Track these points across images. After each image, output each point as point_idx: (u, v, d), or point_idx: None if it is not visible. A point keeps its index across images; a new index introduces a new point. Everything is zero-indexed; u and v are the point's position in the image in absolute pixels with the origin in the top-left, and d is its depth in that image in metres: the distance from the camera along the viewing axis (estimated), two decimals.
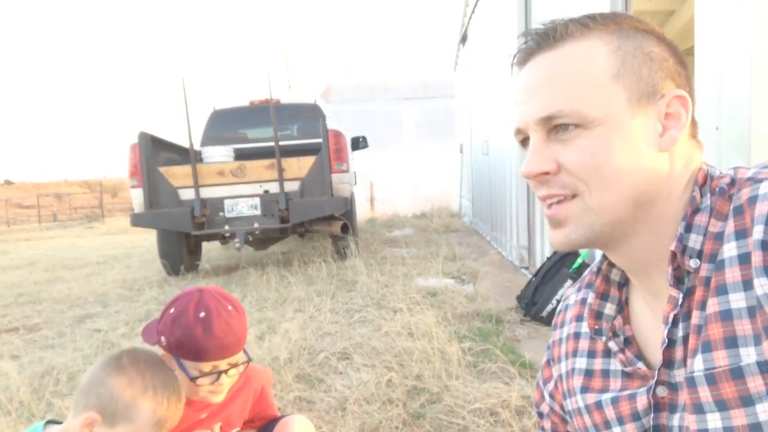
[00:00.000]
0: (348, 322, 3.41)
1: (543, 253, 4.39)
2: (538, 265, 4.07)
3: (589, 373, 0.75)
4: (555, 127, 0.64)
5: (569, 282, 3.22)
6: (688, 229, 0.63)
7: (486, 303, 3.65)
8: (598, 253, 0.74)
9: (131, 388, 1.09)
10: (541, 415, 0.89)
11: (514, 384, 2.23)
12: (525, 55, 0.69)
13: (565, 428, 0.86)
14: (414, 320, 3.01)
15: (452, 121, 13.91)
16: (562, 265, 3.39)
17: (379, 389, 2.29)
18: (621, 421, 0.69)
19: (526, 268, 4.92)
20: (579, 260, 3.31)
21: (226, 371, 1.26)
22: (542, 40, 0.67)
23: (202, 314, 1.22)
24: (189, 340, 1.20)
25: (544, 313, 3.25)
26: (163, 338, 1.24)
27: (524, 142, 0.70)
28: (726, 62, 1.92)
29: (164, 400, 1.12)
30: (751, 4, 1.77)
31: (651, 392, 0.65)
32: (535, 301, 3.34)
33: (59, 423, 1.17)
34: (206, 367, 1.23)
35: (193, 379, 1.23)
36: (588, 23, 0.66)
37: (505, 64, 0.74)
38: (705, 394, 0.59)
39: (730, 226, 0.60)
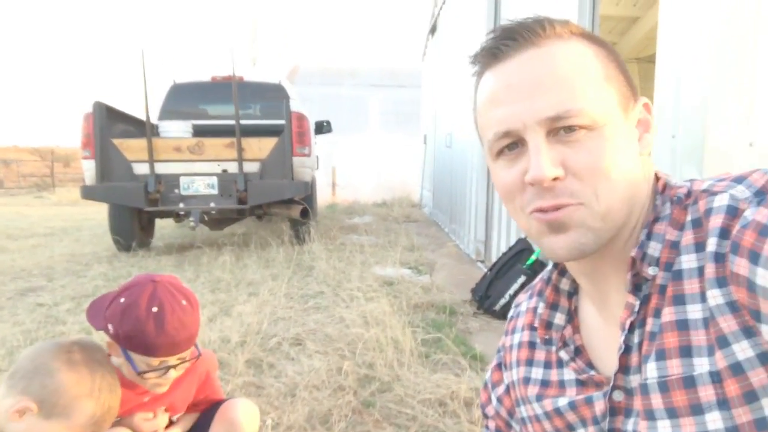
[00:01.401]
0: (303, 307, 3.39)
1: (499, 248, 4.45)
2: (494, 259, 4.13)
3: (545, 384, 0.75)
4: (556, 129, 0.61)
5: (523, 278, 3.28)
6: (649, 236, 0.63)
7: (441, 294, 3.68)
8: None
9: (78, 387, 1.06)
10: (486, 416, 0.90)
11: (465, 376, 2.26)
12: (508, 50, 0.63)
13: (508, 431, 0.87)
14: (369, 308, 3.01)
15: (418, 111, 13.93)
16: (516, 261, 3.45)
17: (331, 376, 2.29)
18: (584, 423, 0.69)
19: (482, 262, 4.99)
20: (533, 257, 3.37)
21: (174, 366, 1.23)
22: (530, 35, 0.62)
23: (154, 309, 1.17)
24: (139, 335, 1.16)
25: (497, 307, 3.30)
26: (110, 326, 1.19)
27: (506, 148, 0.64)
28: (685, 72, 1.97)
29: (106, 402, 1.09)
30: (712, 15, 1.82)
31: (607, 397, 0.66)
32: (488, 295, 3.39)
33: None
34: (155, 361, 1.20)
35: (140, 374, 1.20)
36: (560, 24, 0.64)
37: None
38: (657, 401, 0.59)
39: (689, 238, 0.60)
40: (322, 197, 10.74)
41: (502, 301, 3.29)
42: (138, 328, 1.16)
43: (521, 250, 3.50)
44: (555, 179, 0.60)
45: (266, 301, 3.42)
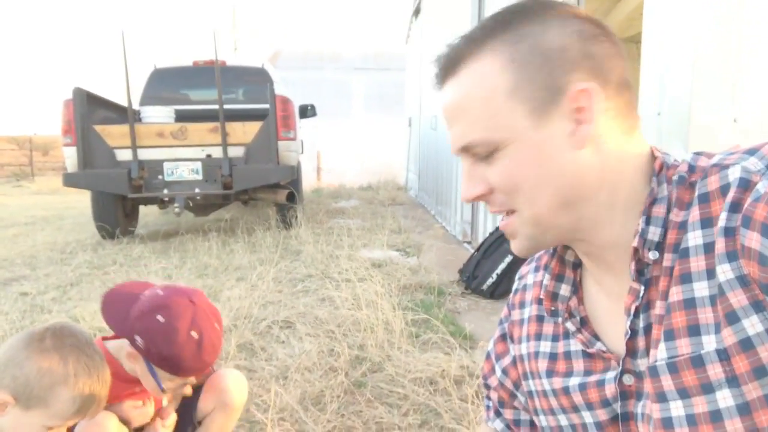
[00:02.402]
0: (291, 291, 3.39)
1: (485, 228, 4.48)
2: (480, 240, 4.16)
3: (553, 357, 0.75)
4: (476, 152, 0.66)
5: (510, 257, 3.31)
6: (648, 221, 0.62)
7: (429, 275, 3.70)
8: None
9: (50, 375, 1.03)
10: (488, 387, 0.90)
11: (454, 354, 2.28)
12: (438, 80, 0.70)
13: (512, 402, 0.87)
14: (359, 290, 3.02)
15: (402, 94, 13.86)
16: (503, 241, 3.47)
17: (322, 358, 2.30)
18: (590, 407, 0.69)
19: (469, 243, 5.02)
20: None
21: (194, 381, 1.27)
22: (446, 66, 0.67)
23: (194, 335, 1.18)
24: (175, 358, 1.17)
25: (485, 287, 3.33)
26: (139, 339, 1.18)
27: None
28: (670, 51, 1.98)
29: (86, 388, 1.06)
30: None
31: (617, 381, 0.66)
32: (476, 275, 3.42)
33: None
34: (180, 379, 1.23)
35: (163, 390, 1.22)
36: (479, 36, 0.65)
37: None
38: (668, 382, 0.59)
39: (695, 215, 0.59)
40: (307, 182, 10.69)
41: (490, 281, 3.31)
42: (176, 353, 1.16)
43: None
44: (481, 196, 0.67)
45: (255, 286, 3.41)
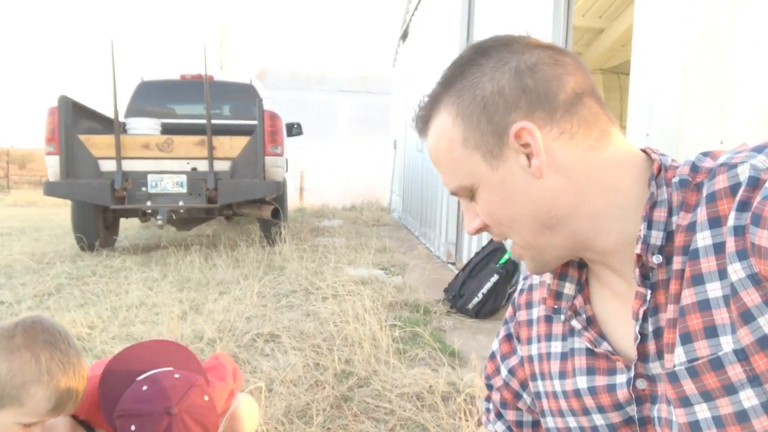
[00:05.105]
0: (276, 305, 3.35)
1: (470, 249, 4.49)
2: (465, 261, 4.17)
3: (564, 357, 0.75)
4: None
5: (496, 277, 3.32)
6: (650, 226, 0.62)
7: (414, 294, 3.69)
8: None
9: (22, 373, 1.00)
10: (490, 387, 0.89)
11: (442, 371, 2.26)
12: (420, 137, 0.76)
13: (515, 403, 0.86)
14: (345, 306, 2.99)
15: (387, 117, 13.98)
16: (489, 260, 3.48)
17: (307, 372, 2.27)
18: (602, 410, 0.69)
19: (453, 264, 5.02)
20: (506, 256, 3.42)
21: None
22: (420, 126, 0.74)
23: None
24: None
25: (470, 306, 3.32)
26: None
27: None
28: (660, 76, 2.04)
29: (61, 385, 1.03)
30: (685, 20, 1.89)
31: (631, 386, 0.66)
32: (462, 294, 3.41)
33: None
34: None
35: None
36: (437, 94, 0.70)
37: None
38: (689, 386, 0.59)
39: (702, 215, 0.59)
40: (291, 201, 10.65)
41: (476, 300, 3.31)
42: None
43: (494, 249, 3.54)
44: (481, 228, 0.72)
45: (238, 299, 3.37)
